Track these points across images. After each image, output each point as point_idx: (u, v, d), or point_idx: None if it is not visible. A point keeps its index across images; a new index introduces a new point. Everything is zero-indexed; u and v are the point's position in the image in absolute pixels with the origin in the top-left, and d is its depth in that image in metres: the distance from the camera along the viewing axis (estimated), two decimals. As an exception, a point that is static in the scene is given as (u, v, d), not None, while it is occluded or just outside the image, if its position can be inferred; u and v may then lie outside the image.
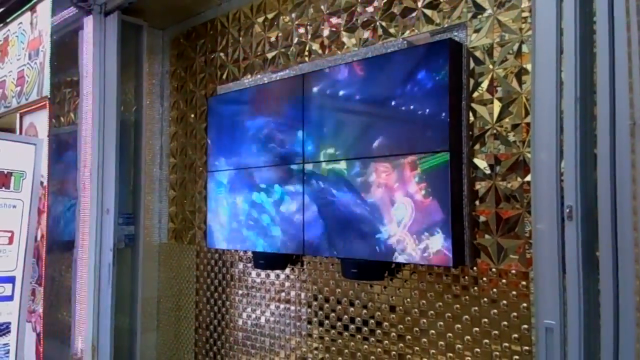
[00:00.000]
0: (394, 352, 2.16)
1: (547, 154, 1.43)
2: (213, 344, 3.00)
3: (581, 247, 1.34)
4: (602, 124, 1.29)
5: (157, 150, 3.39)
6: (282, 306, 2.63)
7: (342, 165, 2.17)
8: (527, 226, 1.77)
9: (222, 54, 3.03)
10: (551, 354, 1.39)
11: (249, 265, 2.80)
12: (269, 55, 2.75)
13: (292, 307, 2.58)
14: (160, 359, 3.30)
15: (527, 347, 1.78)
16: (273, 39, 2.74)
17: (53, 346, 3.26)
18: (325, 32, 2.48)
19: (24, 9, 3.32)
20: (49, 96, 3.13)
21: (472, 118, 1.93)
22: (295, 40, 2.62)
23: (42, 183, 3.24)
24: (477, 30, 1.93)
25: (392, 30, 2.21)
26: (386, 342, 2.19)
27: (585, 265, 1.35)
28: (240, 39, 2.92)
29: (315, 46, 2.53)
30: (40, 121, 3.16)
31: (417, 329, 2.08)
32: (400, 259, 2.00)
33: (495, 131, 1.87)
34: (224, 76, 3.00)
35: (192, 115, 3.22)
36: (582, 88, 1.37)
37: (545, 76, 1.44)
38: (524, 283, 1.79)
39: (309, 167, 2.30)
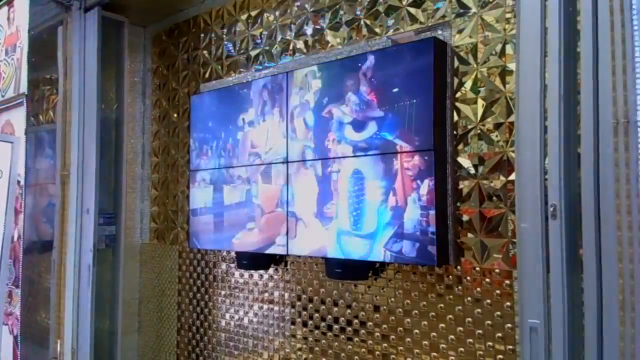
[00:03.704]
0: (378, 352, 2.15)
1: (531, 153, 1.43)
2: (196, 345, 2.96)
3: (565, 245, 1.35)
4: (586, 122, 1.29)
5: (139, 148, 3.33)
6: (265, 307, 2.60)
7: (326, 164, 2.15)
8: (510, 225, 1.78)
9: (205, 52, 2.99)
10: (535, 354, 1.39)
11: (232, 265, 2.77)
12: (253, 53, 2.72)
13: (276, 308, 2.55)
14: (142, 361, 3.25)
15: (510, 347, 1.78)
16: (257, 36, 2.71)
17: (31, 349, 3.19)
18: (309, 31, 2.46)
19: (0, 4, 3.23)
20: (26, 93, 3.05)
21: (456, 117, 1.93)
22: (279, 38, 2.60)
23: (19, 182, 3.16)
24: (461, 30, 1.93)
25: (377, 29, 2.20)
26: (370, 342, 2.18)
27: (569, 264, 1.35)
28: (224, 36, 2.89)
29: (299, 44, 2.50)
30: (18, 119, 3.08)
31: (401, 328, 2.08)
32: (384, 258, 1.99)
33: (479, 130, 1.87)
34: (207, 74, 2.97)
35: (175, 114, 3.18)
36: (565, 87, 1.37)
37: (530, 75, 1.43)
38: (507, 282, 1.79)
39: (292, 166, 2.28)
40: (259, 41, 2.70)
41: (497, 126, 1.83)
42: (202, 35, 3.01)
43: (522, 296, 1.46)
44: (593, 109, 1.27)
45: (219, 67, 2.90)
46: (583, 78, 1.30)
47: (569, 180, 1.36)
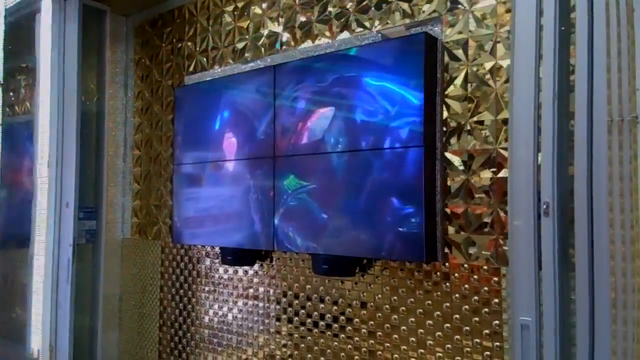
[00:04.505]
0: (364, 349, 2.14)
1: (525, 151, 1.42)
2: (178, 341, 2.91)
3: (557, 243, 1.34)
4: (580, 120, 1.29)
5: (121, 141, 3.25)
6: (250, 303, 2.57)
7: (313, 159, 2.12)
8: (499, 222, 1.77)
9: (189, 43, 2.93)
10: (527, 351, 1.39)
11: (216, 261, 2.73)
12: (239, 46, 2.67)
13: (261, 304, 2.52)
14: (123, 357, 3.18)
15: (498, 343, 1.78)
16: (243, 29, 2.66)
17: (7, 346, 3.11)
18: (297, 23, 2.42)
19: (-25, -11, 3.12)
20: (2, 83, 2.95)
21: (445, 113, 1.92)
22: (267, 31, 2.55)
23: (-5, 175, 3.06)
24: (452, 25, 1.91)
25: (366, 23, 2.17)
26: (357, 338, 2.16)
27: (561, 262, 1.35)
28: (209, 28, 2.83)
29: (287, 37, 2.46)
30: (-7, 109, 2.98)
31: (388, 325, 2.07)
32: (372, 254, 1.98)
33: (468, 127, 1.86)
34: (192, 66, 2.91)
35: (158, 106, 3.11)
36: (560, 84, 1.36)
37: (524, 72, 1.43)
38: (495, 279, 1.79)
39: (279, 160, 2.25)
40: (245, 33, 2.65)
41: (488, 123, 1.82)
42: (187, 26, 2.95)
43: (514, 293, 1.46)
44: (587, 106, 1.27)
45: (204, 59, 2.84)
46: (578, 75, 1.30)
47: (562, 178, 1.36)
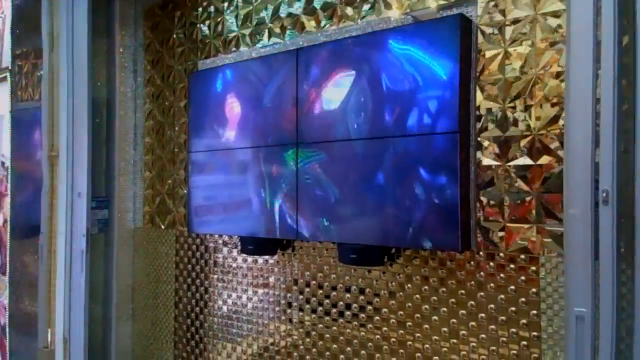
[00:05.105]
0: (393, 339, 2.10)
1: (582, 136, 1.37)
2: (195, 332, 2.87)
3: (616, 233, 1.30)
4: (643, 104, 1.24)
5: (131, 129, 3.16)
6: (271, 292, 2.53)
7: (340, 146, 2.06)
8: (537, 210, 1.73)
9: (203, 27, 2.84)
10: (581, 343, 1.35)
11: (235, 250, 2.67)
12: (257, 29, 2.59)
13: (282, 294, 2.48)
14: (137, 348, 3.14)
15: (535, 333, 1.75)
16: (261, 10, 2.57)
17: (19, 339, 3.05)
18: (320, 4, 2.34)
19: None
20: (9, 68, 2.86)
21: (481, 98, 1.86)
22: (287, 12, 2.47)
23: (3, 164, 2.99)
24: (488, 6, 1.85)
25: (394, 4, 2.10)
26: (385, 328, 2.13)
27: (619, 252, 1.31)
28: (225, 10, 2.74)
29: (309, 19, 2.38)
30: (1, 95, 2.89)
31: (418, 315, 2.03)
32: (404, 244, 1.94)
33: (505, 112, 1.81)
34: (206, 50, 2.82)
35: (170, 92, 3.02)
36: (619, 65, 1.30)
37: (581, 53, 1.37)
38: (533, 268, 1.75)
39: (303, 147, 2.19)
40: (263, 16, 2.56)
41: (526, 108, 1.77)
42: (200, 9, 2.85)
43: (569, 284, 1.41)
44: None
45: (219, 43, 2.75)
46: (639, 55, 1.24)
47: (622, 165, 1.31)
